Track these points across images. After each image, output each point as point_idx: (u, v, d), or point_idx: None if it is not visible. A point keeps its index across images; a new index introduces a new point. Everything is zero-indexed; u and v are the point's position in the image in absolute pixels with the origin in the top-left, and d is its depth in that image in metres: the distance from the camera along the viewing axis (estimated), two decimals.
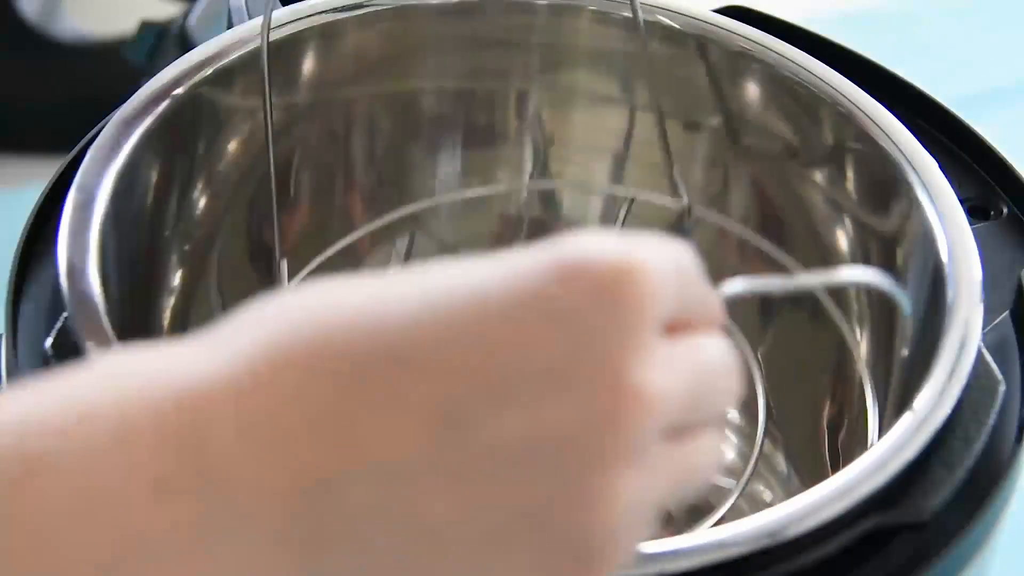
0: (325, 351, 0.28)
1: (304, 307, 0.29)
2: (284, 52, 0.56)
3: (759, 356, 0.63)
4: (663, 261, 0.30)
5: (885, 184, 0.53)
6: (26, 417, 0.27)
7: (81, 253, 0.46)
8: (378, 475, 0.28)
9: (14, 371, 0.45)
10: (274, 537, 0.27)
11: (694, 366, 0.31)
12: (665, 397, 0.29)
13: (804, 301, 0.60)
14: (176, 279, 0.57)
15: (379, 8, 0.58)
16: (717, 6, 0.61)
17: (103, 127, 0.51)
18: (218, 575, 0.27)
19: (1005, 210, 0.54)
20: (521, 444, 0.28)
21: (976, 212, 0.54)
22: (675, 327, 0.31)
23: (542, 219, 0.65)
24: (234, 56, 0.55)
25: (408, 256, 0.65)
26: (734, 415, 0.64)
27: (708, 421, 0.32)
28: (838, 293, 0.58)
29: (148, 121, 0.51)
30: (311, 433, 0.27)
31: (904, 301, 0.41)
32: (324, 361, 0.28)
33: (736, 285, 0.37)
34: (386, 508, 0.28)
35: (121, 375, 0.28)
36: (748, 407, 0.64)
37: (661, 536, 0.39)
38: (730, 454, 0.64)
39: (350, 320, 0.28)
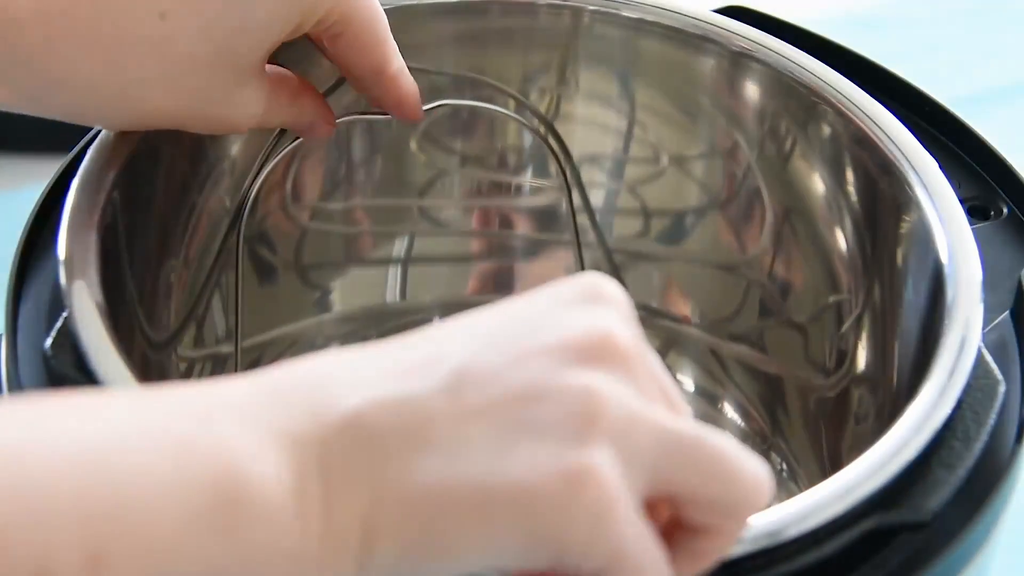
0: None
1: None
2: (283, 52, 0.56)
3: (759, 354, 0.63)
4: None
5: (885, 184, 0.53)
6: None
7: (81, 253, 0.46)
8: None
9: (14, 371, 0.45)
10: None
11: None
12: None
13: (805, 299, 0.60)
14: (177, 279, 0.57)
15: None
16: (717, 6, 0.61)
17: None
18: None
19: (1005, 210, 0.54)
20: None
21: (976, 212, 0.54)
22: None
23: (539, 220, 0.66)
24: None
25: (407, 257, 0.65)
26: (734, 415, 0.64)
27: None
28: (838, 292, 0.58)
29: None
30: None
31: None
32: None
33: None
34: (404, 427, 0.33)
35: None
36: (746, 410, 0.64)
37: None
38: None
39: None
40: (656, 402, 0.35)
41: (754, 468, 0.35)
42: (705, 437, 0.34)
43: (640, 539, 0.33)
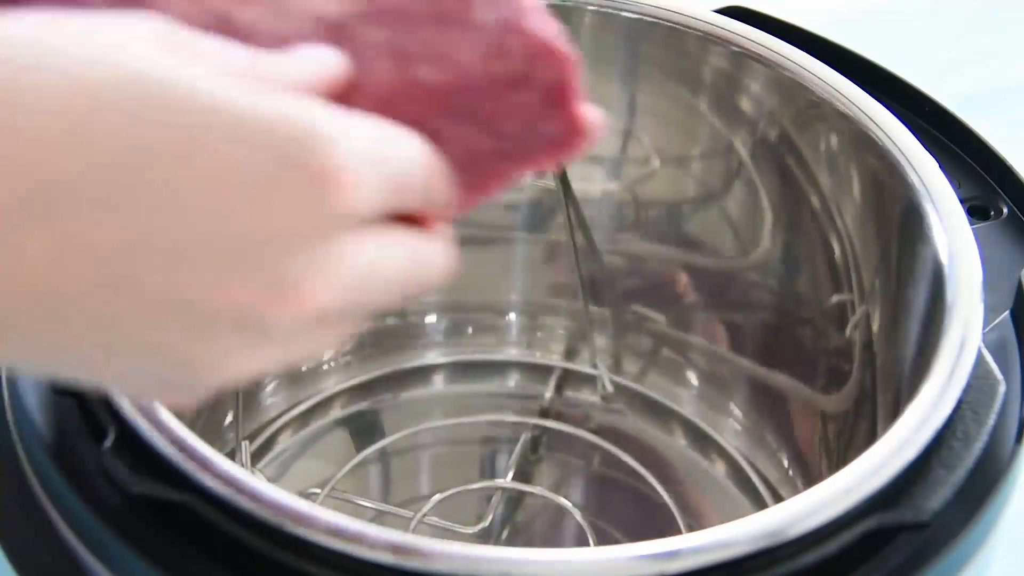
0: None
1: None
2: None
3: (762, 356, 0.63)
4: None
5: (885, 184, 0.53)
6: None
7: None
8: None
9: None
10: None
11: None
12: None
13: (805, 300, 0.60)
14: None
15: None
16: (717, 6, 0.61)
17: None
18: None
19: (1005, 210, 0.54)
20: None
21: (976, 212, 0.54)
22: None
23: (540, 218, 0.66)
24: None
25: None
26: (737, 415, 0.64)
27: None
28: (839, 292, 0.58)
29: None
30: None
31: None
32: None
33: None
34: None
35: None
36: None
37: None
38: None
39: None
40: None
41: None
42: None
43: None
